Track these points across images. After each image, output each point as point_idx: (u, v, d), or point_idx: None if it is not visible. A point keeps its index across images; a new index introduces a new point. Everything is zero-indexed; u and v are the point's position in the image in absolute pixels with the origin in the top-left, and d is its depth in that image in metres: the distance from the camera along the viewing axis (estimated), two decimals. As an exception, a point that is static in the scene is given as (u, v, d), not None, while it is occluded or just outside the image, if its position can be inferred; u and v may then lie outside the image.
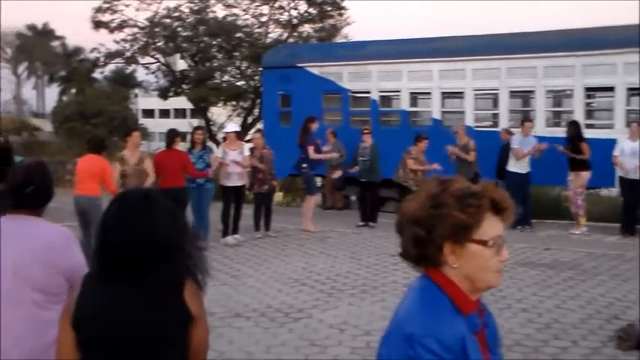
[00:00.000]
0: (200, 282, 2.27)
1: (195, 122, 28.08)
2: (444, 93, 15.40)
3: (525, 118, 13.18)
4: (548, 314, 6.97)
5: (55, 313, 2.67)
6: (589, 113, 14.05)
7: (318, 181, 14.81)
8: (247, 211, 11.81)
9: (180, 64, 31.89)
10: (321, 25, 29.60)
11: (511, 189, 11.61)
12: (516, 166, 12.18)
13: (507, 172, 12.24)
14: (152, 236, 2.21)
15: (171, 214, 2.29)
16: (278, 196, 17.22)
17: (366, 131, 12.92)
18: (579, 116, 13.34)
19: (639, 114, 13.38)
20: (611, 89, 13.69)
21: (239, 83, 29.51)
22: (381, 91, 16.16)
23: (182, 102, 32.73)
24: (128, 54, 30.15)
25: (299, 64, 16.98)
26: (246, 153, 11.77)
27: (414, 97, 16.23)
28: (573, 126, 12.14)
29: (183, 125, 27.23)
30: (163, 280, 2.19)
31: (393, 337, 1.76)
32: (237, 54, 29.17)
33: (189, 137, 11.77)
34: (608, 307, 7.18)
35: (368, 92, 16.20)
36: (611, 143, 12.21)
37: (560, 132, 12.64)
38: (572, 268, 9.14)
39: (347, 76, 16.38)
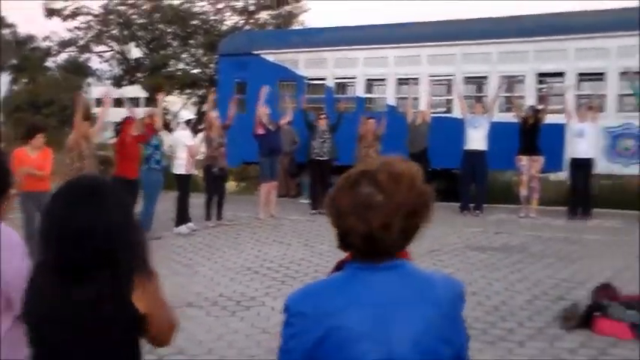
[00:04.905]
0: (150, 276, 2.18)
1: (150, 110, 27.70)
2: (399, 79, 15.49)
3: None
4: (496, 297, 7.08)
5: None
6: (540, 98, 14.25)
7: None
8: (196, 200, 11.77)
9: (135, 52, 31.51)
10: (277, 12, 29.46)
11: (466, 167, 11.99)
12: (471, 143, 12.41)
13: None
14: (96, 229, 2.11)
15: (119, 205, 2.21)
16: (231, 184, 17.18)
17: (322, 116, 13.04)
18: (531, 101, 13.58)
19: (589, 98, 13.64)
20: (562, 75, 13.94)
21: (194, 71, 29.29)
22: (337, 78, 16.18)
23: (137, 90, 32.32)
24: (81, 42, 29.71)
25: (255, 52, 16.91)
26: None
27: (370, 84, 16.29)
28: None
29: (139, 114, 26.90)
30: (108, 280, 2.11)
31: (441, 303, 1.82)
32: (192, 42, 28.93)
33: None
34: (554, 289, 7.32)
35: (323, 79, 16.20)
36: (560, 128, 12.45)
37: (511, 117, 12.82)
38: (521, 251, 9.29)
39: (302, 63, 16.36)
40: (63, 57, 31.89)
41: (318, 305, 1.78)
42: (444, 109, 15.41)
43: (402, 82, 15.58)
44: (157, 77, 27.94)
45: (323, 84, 16.25)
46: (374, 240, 1.75)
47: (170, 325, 2.29)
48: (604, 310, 6.02)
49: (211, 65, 27.43)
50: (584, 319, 6.06)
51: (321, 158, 12.82)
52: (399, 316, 1.76)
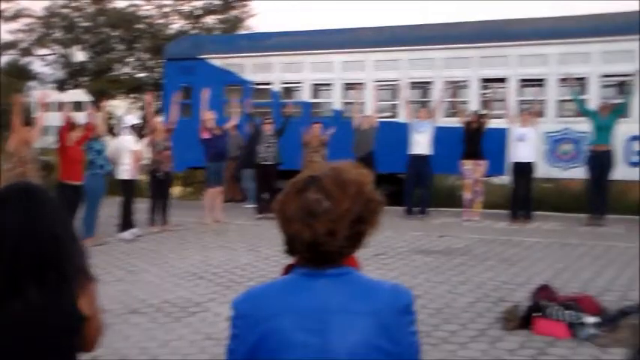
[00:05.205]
0: (90, 280, 2.18)
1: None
2: (345, 84, 15.59)
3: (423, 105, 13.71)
4: (440, 299, 7.17)
5: None
6: (484, 103, 14.49)
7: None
8: (141, 205, 11.66)
9: (79, 55, 31.00)
10: (224, 16, 29.33)
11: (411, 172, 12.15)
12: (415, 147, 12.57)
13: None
14: (42, 234, 2.08)
15: (58, 210, 2.18)
16: (177, 189, 17.05)
17: (267, 121, 13.06)
18: (475, 106, 13.82)
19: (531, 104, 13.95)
20: (504, 80, 14.23)
21: (140, 75, 28.96)
22: (283, 83, 16.20)
23: (80, 94, 31.82)
24: (24, 45, 29.07)
25: (201, 56, 16.82)
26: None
27: (316, 89, 16.35)
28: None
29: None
30: (52, 287, 2.07)
31: (382, 314, 1.79)
32: (138, 45, 28.59)
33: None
34: (496, 290, 7.45)
35: (270, 84, 16.20)
36: (502, 133, 12.70)
37: (456, 122, 13.02)
38: (464, 254, 9.44)
39: (249, 67, 16.33)
40: (4, 60, 31.21)
41: (259, 308, 1.80)
42: (390, 114, 15.53)
43: (349, 87, 15.67)
44: (101, 81, 27.55)
45: (269, 89, 16.25)
46: (318, 246, 1.76)
47: (100, 329, 2.28)
48: (543, 311, 6.16)
49: (157, 69, 27.14)
50: (524, 319, 6.18)
51: (266, 163, 12.82)
52: (337, 324, 1.76)
